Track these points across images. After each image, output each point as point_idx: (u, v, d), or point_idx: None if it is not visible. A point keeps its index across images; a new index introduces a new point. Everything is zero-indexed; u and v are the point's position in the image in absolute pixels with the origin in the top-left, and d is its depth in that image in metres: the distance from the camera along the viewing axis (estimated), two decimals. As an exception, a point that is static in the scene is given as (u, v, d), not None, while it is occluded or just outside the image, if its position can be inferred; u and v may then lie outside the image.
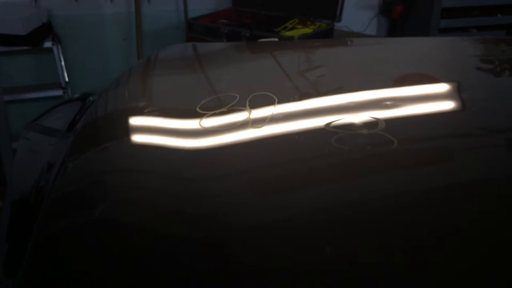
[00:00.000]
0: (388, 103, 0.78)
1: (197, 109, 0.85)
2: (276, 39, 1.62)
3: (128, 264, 0.52)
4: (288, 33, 2.68)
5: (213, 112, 0.82)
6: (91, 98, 1.25)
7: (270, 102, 0.83)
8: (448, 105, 0.83)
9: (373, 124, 0.70)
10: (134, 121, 0.86)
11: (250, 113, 0.80)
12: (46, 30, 2.97)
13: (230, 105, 0.84)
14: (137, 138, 0.81)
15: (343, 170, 0.62)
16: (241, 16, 3.05)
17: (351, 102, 0.81)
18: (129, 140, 0.81)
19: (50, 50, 2.97)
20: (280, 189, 0.60)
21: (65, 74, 3.03)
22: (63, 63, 3.01)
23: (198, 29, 3.01)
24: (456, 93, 0.87)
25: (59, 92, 3.01)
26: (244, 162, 0.68)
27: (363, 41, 1.52)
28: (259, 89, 0.89)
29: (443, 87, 0.89)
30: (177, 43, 1.56)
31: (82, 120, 1.01)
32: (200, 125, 0.78)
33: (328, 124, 0.71)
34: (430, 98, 0.84)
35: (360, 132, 0.68)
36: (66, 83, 3.03)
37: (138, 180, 0.70)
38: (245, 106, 0.83)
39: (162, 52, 1.36)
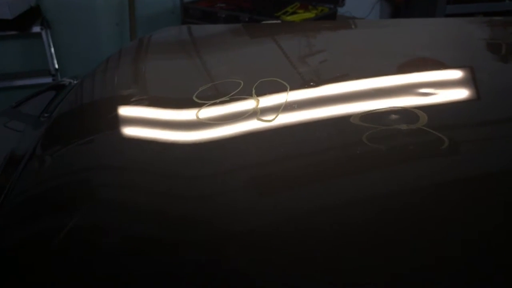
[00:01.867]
0: (424, 91, 0.64)
1: (194, 98, 0.71)
2: (279, 21, 1.48)
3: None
4: (289, 18, 2.54)
5: (212, 101, 0.68)
6: (74, 82, 1.11)
7: (281, 90, 0.69)
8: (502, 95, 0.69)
9: (412, 117, 0.56)
10: (119, 110, 0.72)
11: (257, 103, 0.66)
12: (34, 14, 2.81)
13: (233, 94, 0.70)
14: (120, 130, 0.67)
15: (382, 179, 0.49)
16: (240, 0, 2.89)
17: (379, 90, 0.67)
18: (110, 132, 0.68)
19: (38, 35, 2.82)
20: (301, 206, 0.46)
21: (55, 61, 2.88)
22: (52, 49, 2.86)
23: (195, 14, 2.86)
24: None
25: (48, 80, 2.86)
26: (251, 165, 0.55)
27: (376, 22, 1.37)
28: (267, 75, 0.75)
29: (484, 73, 0.75)
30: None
31: (59, 106, 0.87)
32: (197, 117, 0.65)
33: (355, 117, 0.58)
34: (475, 86, 0.70)
35: (397, 128, 0.54)
36: (56, 70, 2.88)
37: (120, 180, 0.57)
38: (250, 95, 0.69)
39: (155, 34, 1.22)
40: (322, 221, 0.44)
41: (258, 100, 0.66)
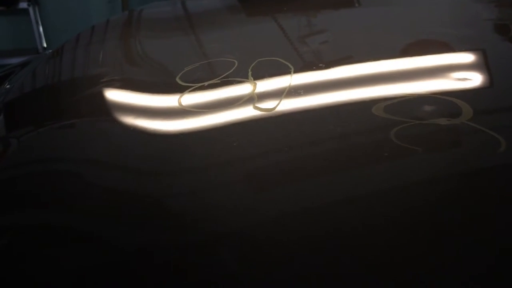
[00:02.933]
0: (460, 75, 0.52)
1: (177, 79, 0.58)
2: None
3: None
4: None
5: (199, 84, 0.56)
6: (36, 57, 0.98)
7: (283, 72, 0.57)
8: None
9: (451, 108, 0.44)
10: (83, 93, 0.60)
11: (254, 87, 0.53)
12: (21, -11, 2.66)
13: (224, 75, 0.57)
14: (80, 118, 0.55)
15: (420, 190, 0.36)
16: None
17: (403, 73, 0.54)
18: (71, 120, 0.55)
19: (26, 11, 2.67)
20: (311, 229, 0.34)
21: (43, 39, 2.73)
22: (40, 26, 2.72)
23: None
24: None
25: (36, 59, 2.72)
26: (244, 166, 0.42)
27: None
28: (266, 55, 0.63)
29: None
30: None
31: (13, 88, 0.74)
32: (180, 104, 0.52)
33: (378, 107, 0.45)
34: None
35: (435, 122, 0.42)
36: (44, 48, 2.74)
37: (81, 177, 0.45)
38: (246, 77, 0.56)
39: (147, 7, 1.09)
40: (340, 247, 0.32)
41: (255, 84, 0.54)
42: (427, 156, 0.39)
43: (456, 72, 0.52)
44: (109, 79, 0.62)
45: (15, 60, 2.69)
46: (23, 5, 2.64)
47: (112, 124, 0.53)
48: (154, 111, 0.53)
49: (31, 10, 2.64)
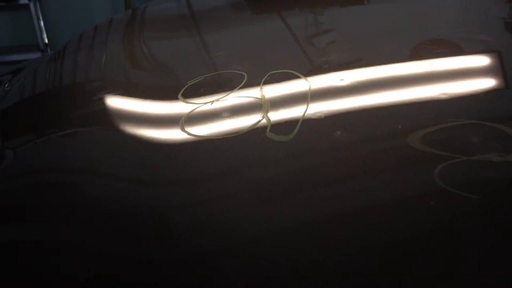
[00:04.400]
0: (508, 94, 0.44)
1: (179, 96, 0.51)
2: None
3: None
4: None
5: (204, 102, 0.49)
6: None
7: (299, 88, 0.50)
8: None
9: (505, 140, 0.37)
10: (69, 114, 0.53)
11: (267, 107, 0.46)
12: (21, -17, 2.59)
13: (232, 92, 0.51)
14: (66, 142, 0.48)
15: (476, 254, 0.29)
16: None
17: (443, 93, 0.47)
18: (61, 134, 0.49)
19: (26, 7, 2.61)
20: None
21: (44, 35, 2.67)
22: (41, 22, 2.65)
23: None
24: None
25: (37, 55, 2.65)
26: (260, 220, 0.36)
27: None
28: (279, 64, 0.56)
29: None
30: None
31: (9, 93, 0.68)
32: (182, 129, 0.45)
33: (415, 137, 0.38)
34: None
35: (485, 158, 0.35)
36: (46, 44, 2.67)
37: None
38: (257, 93, 0.49)
39: (151, 5, 1.02)
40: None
41: (268, 103, 0.47)
42: (481, 204, 0.32)
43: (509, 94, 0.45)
44: (105, 95, 0.55)
45: (15, 57, 2.63)
46: (24, 0, 2.57)
47: (102, 151, 0.46)
48: (152, 140, 0.46)
49: (31, 5, 2.58)
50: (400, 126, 0.40)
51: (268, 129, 0.42)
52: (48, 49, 2.67)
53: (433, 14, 0.72)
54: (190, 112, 0.48)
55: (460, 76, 0.49)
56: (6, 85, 0.88)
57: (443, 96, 0.44)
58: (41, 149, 0.52)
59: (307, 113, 0.44)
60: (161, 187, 0.39)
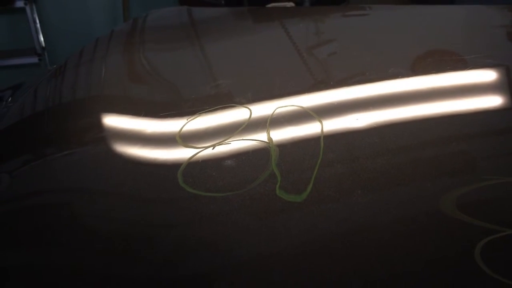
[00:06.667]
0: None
1: (177, 138, 0.46)
2: (292, 4, 1.20)
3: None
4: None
5: (204, 147, 0.44)
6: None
7: (311, 130, 0.44)
8: None
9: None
10: (66, 139, 0.48)
11: (275, 156, 0.41)
12: (17, -14, 2.53)
13: (236, 132, 0.45)
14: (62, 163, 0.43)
15: None
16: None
17: (475, 141, 0.42)
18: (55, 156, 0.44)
19: (23, 10, 2.55)
20: None
21: (41, 39, 2.61)
22: (38, 25, 2.60)
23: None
24: None
25: (34, 59, 2.60)
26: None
27: (403, 8, 1.08)
28: (287, 91, 0.51)
29: None
30: (168, 7, 1.17)
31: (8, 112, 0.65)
32: (180, 181, 0.40)
33: (448, 200, 0.33)
34: None
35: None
36: (43, 48, 2.62)
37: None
38: (263, 135, 0.44)
39: (150, 17, 0.98)
40: None
41: (277, 150, 0.42)
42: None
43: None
44: (97, 136, 0.50)
45: (11, 62, 2.58)
46: (20, 4, 2.51)
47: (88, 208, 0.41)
48: (147, 198, 0.41)
49: (28, 8, 2.52)
50: (432, 187, 0.35)
51: (278, 185, 0.37)
52: (46, 54, 2.62)
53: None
54: (189, 159, 0.42)
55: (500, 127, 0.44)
56: (9, 99, 0.84)
57: (477, 148, 0.38)
58: (37, 170, 0.48)
59: (321, 164, 0.39)
60: (157, 262, 0.34)
